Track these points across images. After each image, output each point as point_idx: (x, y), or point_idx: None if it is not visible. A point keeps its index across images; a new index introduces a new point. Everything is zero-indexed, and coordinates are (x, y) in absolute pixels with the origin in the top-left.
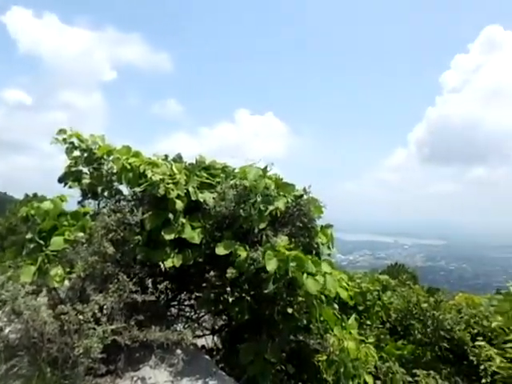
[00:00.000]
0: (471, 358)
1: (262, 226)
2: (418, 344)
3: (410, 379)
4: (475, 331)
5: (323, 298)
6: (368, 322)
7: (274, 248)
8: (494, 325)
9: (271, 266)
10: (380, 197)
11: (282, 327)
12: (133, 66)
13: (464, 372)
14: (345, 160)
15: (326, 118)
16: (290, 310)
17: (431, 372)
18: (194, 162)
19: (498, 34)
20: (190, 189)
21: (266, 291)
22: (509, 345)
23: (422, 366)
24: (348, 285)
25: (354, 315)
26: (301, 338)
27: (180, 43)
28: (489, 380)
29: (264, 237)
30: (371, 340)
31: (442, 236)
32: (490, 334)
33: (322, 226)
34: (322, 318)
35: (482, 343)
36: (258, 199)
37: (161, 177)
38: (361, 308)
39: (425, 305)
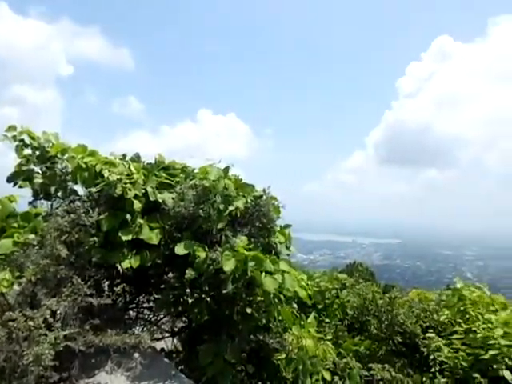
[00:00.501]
0: (422, 349)
1: (222, 226)
2: (374, 339)
3: (366, 373)
4: (426, 324)
5: (282, 297)
6: (327, 320)
7: (233, 248)
8: (442, 318)
9: (229, 266)
10: (339, 197)
11: (242, 327)
12: (91, 61)
13: (416, 363)
14: (306, 161)
15: (287, 120)
16: (249, 310)
17: (386, 365)
18: (153, 161)
19: (448, 44)
20: (149, 189)
21: (224, 291)
22: (455, 336)
23: (377, 360)
24: (307, 284)
25: (313, 313)
26: (261, 337)
27: (142, 39)
28: (437, 369)
29: (223, 237)
30: (329, 337)
31: (398, 235)
32: (439, 326)
33: (281, 226)
34: (280, 317)
35: (432, 335)
36: (218, 199)
37: (118, 176)
38: (320, 306)
39: (380, 301)
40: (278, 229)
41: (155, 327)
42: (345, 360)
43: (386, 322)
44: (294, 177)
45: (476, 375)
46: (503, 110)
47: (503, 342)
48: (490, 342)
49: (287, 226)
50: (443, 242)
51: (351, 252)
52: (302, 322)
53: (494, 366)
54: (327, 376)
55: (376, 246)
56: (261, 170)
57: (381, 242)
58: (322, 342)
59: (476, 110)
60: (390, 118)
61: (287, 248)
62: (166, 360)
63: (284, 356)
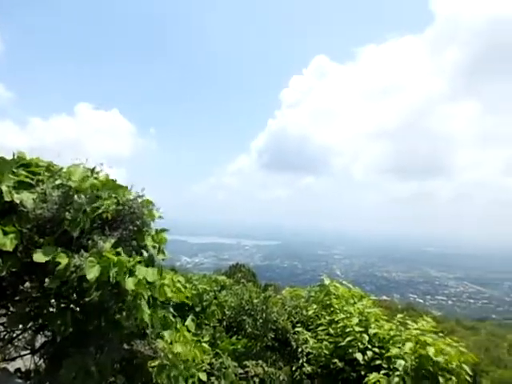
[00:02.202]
0: (292, 343)
1: (89, 229)
2: (250, 337)
3: (241, 371)
4: (296, 320)
5: (158, 301)
6: (206, 322)
7: (101, 253)
8: (310, 312)
9: (92, 273)
10: (225, 200)
11: (111, 336)
12: None
13: (287, 356)
14: (192, 163)
15: (173, 121)
16: (117, 318)
17: (259, 361)
18: (12, 157)
19: (325, 63)
20: (4, 188)
21: (88, 300)
22: (320, 328)
23: (252, 357)
24: (185, 287)
25: (190, 316)
26: (134, 345)
27: (13, 19)
28: (304, 359)
29: (90, 242)
30: (207, 338)
31: (278, 237)
32: (307, 320)
33: (156, 229)
34: (153, 323)
35: (300, 329)
36: (85, 201)
37: None
38: (198, 309)
39: (256, 301)
40: (153, 232)
41: (9, 345)
42: (221, 360)
43: (260, 320)
44: (182, 178)
45: (335, 360)
46: (367, 125)
47: (357, 328)
48: (347, 330)
49: (163, 230)
50: (317, 242)
51: (235, 254)
52: (178, 326)
53: (350, 350)
54: (203, 377)
55: (258, 248)
56: (145, 171)
57: (262, 243)
58: (199, 344)
59: (346, 124)
60: (274, 125)
61: (162, 252)
62: (19, 381)
63: (157, 363)
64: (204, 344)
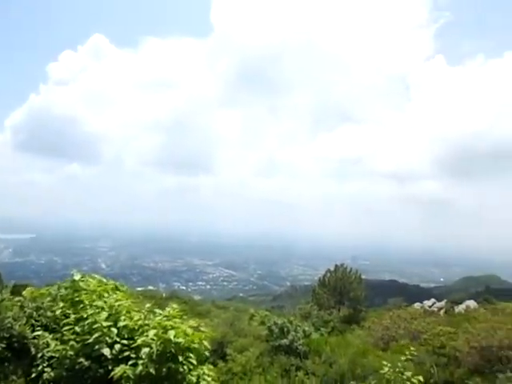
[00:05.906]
0: (32, 349)
1: None
2: None
3: None
4: (38, 323)
5: None
6: None
7: None
8: (57, 312)
9: None
10: None
11: None
12: None
13: (25, 366)
14: None
15: None
16: None
17: None
18: None
19: (104, 44)
20: None
21: None
22: (66, 328)
23: None
24: None
25: None
26: None
27: None
28: (45, 364)
29: None
30: None
31: (31, 229)
32: (53, 321)
33: None
34: None
35: (40, 333)
36: None
37: None
38: None
39: None
40: None
41: None
42: None
43: None
44: None
45: (81, 359)
46: (142, 116)
47: (105, 323)
48: (95, 326)
49: None
50: (81, 235)
51: None
52: None
53: (97, 347)
54: None
55: (5, 242)
56: None
57: (11, 237)
58: None
59: (120, 112)
60: (37, 102)
61: None
62: None
63: None
64: None
